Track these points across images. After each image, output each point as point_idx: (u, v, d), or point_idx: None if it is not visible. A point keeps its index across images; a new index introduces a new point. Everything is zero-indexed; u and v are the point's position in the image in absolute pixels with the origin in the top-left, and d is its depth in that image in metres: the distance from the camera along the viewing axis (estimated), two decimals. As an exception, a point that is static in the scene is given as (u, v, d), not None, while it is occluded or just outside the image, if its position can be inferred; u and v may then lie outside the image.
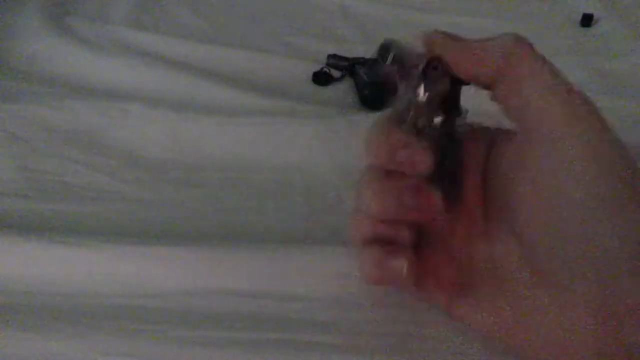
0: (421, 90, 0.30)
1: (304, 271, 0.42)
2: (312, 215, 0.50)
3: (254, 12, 0.91)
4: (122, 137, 0.59)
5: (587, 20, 0.86)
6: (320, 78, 0.72)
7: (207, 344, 0.36)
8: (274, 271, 0.42)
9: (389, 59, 0.31)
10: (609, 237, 0.26)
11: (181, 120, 0.60)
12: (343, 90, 0.71)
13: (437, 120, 0.31)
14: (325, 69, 0.73)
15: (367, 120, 0.65)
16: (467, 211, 0.34)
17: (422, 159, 0.30)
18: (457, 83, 0.32)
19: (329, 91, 0.71)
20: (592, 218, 0.26)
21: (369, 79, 0.67)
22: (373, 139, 0.32)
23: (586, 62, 0.76)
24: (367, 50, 0.77)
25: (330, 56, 0.74)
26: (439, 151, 0.31)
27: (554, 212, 0.27)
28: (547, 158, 0.28)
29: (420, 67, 0.30)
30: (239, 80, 0.70)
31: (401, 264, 0.31)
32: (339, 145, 0.57)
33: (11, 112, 0.61)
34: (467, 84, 0.32)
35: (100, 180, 0.54)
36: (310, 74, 0.72)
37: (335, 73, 0.73)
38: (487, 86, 0.31)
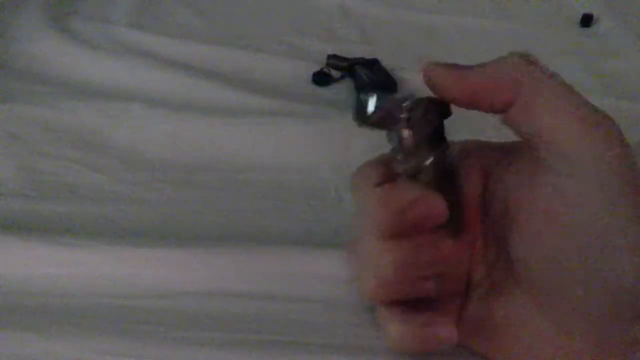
0: (408, 136, 0.28)
1: (303, 272, 0.42)
2: (312, 215, 0.50)
3: (254, 12, 0.91)
4: (122, 137, 0.59)
5: (587, 20, 0.86)
6: (320, 78, 0.72)
7: (206, 345, 0.36)
8: (273, 272, 0.42)
9: (369, 113, 0.29)
10: (626, 271, 0.24)
11: (181, 120, 0.60)
12: (343, 90, 0.71)
13: (429, 160, 0.29)
14: (325, 69, 0.73)
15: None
16: (468, 241, 0.32)
17: (438, 211, 0.28)
18: (442, 116, 0.30)
19: (329, 91, 0.71)
20: (612, 251, 0.24)
21: (369, 79, 0.67)
22: (369, 202, 0.29)
23: (586, 62, 0.76)
24: (367, 50, 0.77)
25: (330, 56, 0.74)
26: (438, 191, 0.29)
27: (568, 244, 0.26)
28: (562, 189, 0.26)
29: (404, 114, 0.28)
30: (239, 80, 0.70)
31: (451, 333, 0.30)
32: (339, 145, 0.57)
33: (11, 112, 0.61)
34: (450, 114, 0.30)
35: (101, 180, 0.54)
36: (310, 74, 0.72)
37: (335, 73, 0.73)
38: (496, 112, 0.29)
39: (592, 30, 0.86)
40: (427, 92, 0.30)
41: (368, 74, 0.68)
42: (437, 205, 0.28)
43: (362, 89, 0.30)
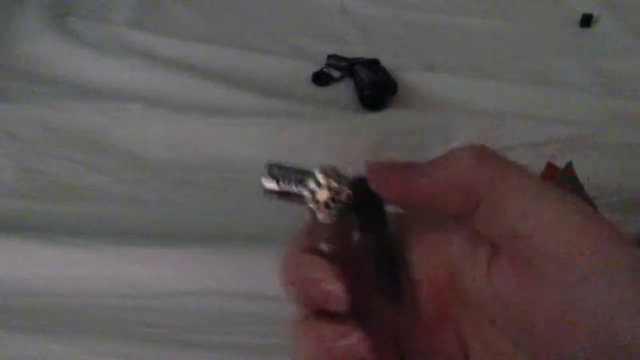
0: (318, 214, 0.26)
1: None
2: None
3: (254, 12, 0.91)
4: (122, 137, 0.59)
5: (587, 20, 0.86)
6: (320, 78, 0.72)
7: (205, 347, 0.36)
8: (273, 272, 0.42)
9: (265, 189, 0.26)
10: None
11: (181, 120, 0.60)
12: (343, 90, 0.71)
13: (355, 238, 0.26)
14: (325, 69, 0.73)
15: (367, 120, 0.65)
16: (441, 314, 0.29)
17: (333, 295, 0.25)
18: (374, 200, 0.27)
19: (329, 91, 0.71)
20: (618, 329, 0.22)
21: (368, 79, 0.67)
22: (282, 270, 0.27)
23: (586, 62, 0.76)
24: (367, 50, 0.77)
25: (330, 56, 0.74)
26: (374, 270, 0.26)
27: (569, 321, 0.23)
28: (570, 300, 0.23)
29: (305, 192, 0.26)
30: (238, 80, 0.70)
31: None
32: (339, 145, 0.57)
33: (11, 112, 0.61)
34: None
35: (100, 180, 0.54)
36: (310, 74, 0.72)
37: (335, 73, 0.73)
38: (458, 215, 0.26)
39: (592, 30, 0.86)
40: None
41: (368, 74, 0.68)
42: (332, 289, 0.25)
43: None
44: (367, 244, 0.26)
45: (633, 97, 0.67)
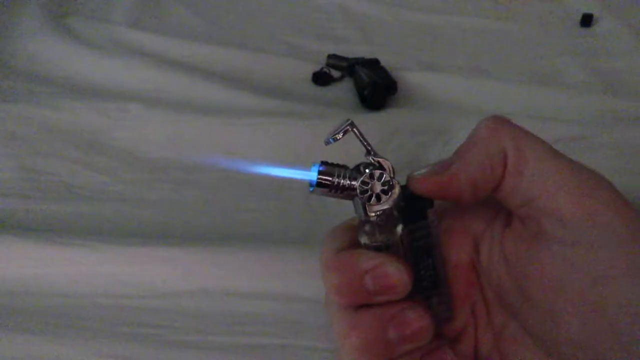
0: (367, 209, 0.26)
1: (303, 272, 0.42)
2: (312, 215, 0.50)
3: (254, 12, 0.91)
4: (122, 137, 0.59)
5: (587, 20, 0.86)
6: (320, 78, 0.72)
7: (205, 347, 0.36)
8: (274, 272, 0.42)
9: (311, 185, 0.27)
10: None
11: (181, 120, 0.60)
12: (343, 90, 0.71)
13: (394, 238, 0.26)
14: (325, 69, 0.73)
15: (367, 120, 0.65)
16: (467, 312, 0.30)
17: (396, 278, 0.25)
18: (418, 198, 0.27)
19: (329, 91, 0.71)
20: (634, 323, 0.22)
21: (369, 79, 0.67)
22: (331, 275, 0.26)
23: (586, 62, 0.76)
24: (367, 50, 0.77)
25: (330, 56, 0.74)
26: (414, 261, 0.27)
27: (599, 323, 0.23)
28: (572, 260, 0.24)
29: (358, 182, 0.26)
30: (239, 80, 0.70)
31: None
32: (339, 145, 0.57)
33: (11, 112, 0.61)
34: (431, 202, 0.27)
35: (100, 180, 0.54)
36: (310, 74, 0.72)
37: (335, 73, 0.73)
38: (489, 194, 0.27)
39: (592, 30, 0.86)
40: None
41: (368, 74, 0.68)
42: (395, 273, 0.25)
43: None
44: (409, 236, 0.27)
45: (633, 97, 0.67)
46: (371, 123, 0.60)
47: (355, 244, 0.27)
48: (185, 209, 0.51)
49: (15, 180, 0.53)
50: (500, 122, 0.26)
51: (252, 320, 0.39)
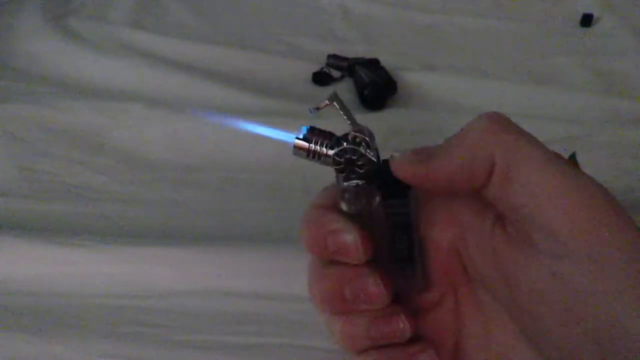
0: (342, 178, 0.27)
1: (303, 272, 0.41)
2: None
3: (254, 12, 0.91)
4: (122, 137, 0.59)
5: (587, 20, 0.86)
6: (320, 78, 0.72)
7: (205, 347, 0.36)
8: (274, 272, 0.42)
9: (295, 141, 0.27)
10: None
11: (181, 120, 0.60)
12: (343, 90, 0.71)
13: (374, 204, 0.27)
14: (325, 69, 0.73)
15: (367, 120, 0.65)
16: (446, 288, 0.30)
17: (351, 245, 0.27)
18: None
19: (329, 91, 0.71)
20: (629, 339, 0.22)
21: (369, 79, 0.67)
22: (304, 226, 0.28)
23: (586, 62, 0.76)
24: (367, 50, 0.77)
25: (330, 56, 0.74)
26: (390, 233, 0.28)
27: (583, 337, 0.23)
28: (560, 275, 0.23)
29: (332, 153, 0.26)
30: (239, 80, 0.70)
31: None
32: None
33: (11, 112, 0.61)
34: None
35: (100, 180, 0.54)
36: (310, 74, 0.72)
37: (335, 73, 0.73)
38: (475, 191, 0.26)
39: (592, 30, 0.86)
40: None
41: (368, 74, 0.68)
42: (350, 239, 0.27)
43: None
44: (385, 210, 0.27)
45: (633, 97, 0.67)
46: (371, 123, 0.59)
47: (336, 205, 0.28)
48: (185, 209, 0.51)
49: (15, 180, 0.53)
50: (496, 122, 0.25)
51: (252, 320, 0.39)
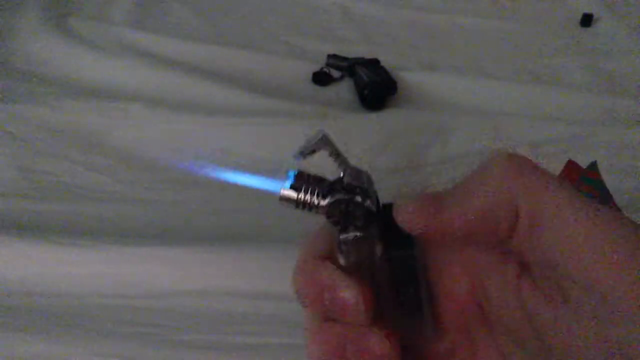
0: (337, 231, 0.24)
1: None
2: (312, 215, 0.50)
3: (254, 12, 0.91)
4: (122, 137, 0.59)
5: (587, 20, 0.86)
6: (320, 78, 0.72)
7: (205, 347, 0.36)
8: (273, 272, 0.42)
9: (281, 193, 0.24)
10: None
11: (181, 120, 0.60)
12: (343, 90, 0.71)
13: (376, 255, 0.24)
14: (325, 69, 0.73)
15: (367, 120, 0.65)
16: (460, 336, 0.27)
17: (350, 304, 0.23)
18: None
19: (329, 91, 0.71)
20: None
21: (369, 79, 0.67)
22: (297, 280, 0.25)
23: (586, 62, 0.76)
24: (367, 50, 0.77)
25: (330, 56, 0.74)
26: (395, 286, 0.25)
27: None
28: (612, 341, 0.20)
29: (324, 204, 0.23)
30: (239, 80, 0.70)
31: None
32: (339, 145, 0.57)
33: (11, 112, 0.61)
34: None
35: (100, 180, 0.54)
36: (310, 74, 0.72)
37: (335, 73, 0.73)
38: (498, 240, 0.23)
39: (592, 30, 0.86)
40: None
41: (368, 74, 0.68)
42: (349, 297, 0.23)
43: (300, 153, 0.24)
44: (389, 261, 0.24)
45: (633, 97, 0.67)
46: (371, 123, 0.60)
47: (332, 253, 0.25)
48: (185, 210, 0.51)
49: (15, 180, 0.53)
50: (516, 163, 0.22)
51: (252, 320, 0.39)
